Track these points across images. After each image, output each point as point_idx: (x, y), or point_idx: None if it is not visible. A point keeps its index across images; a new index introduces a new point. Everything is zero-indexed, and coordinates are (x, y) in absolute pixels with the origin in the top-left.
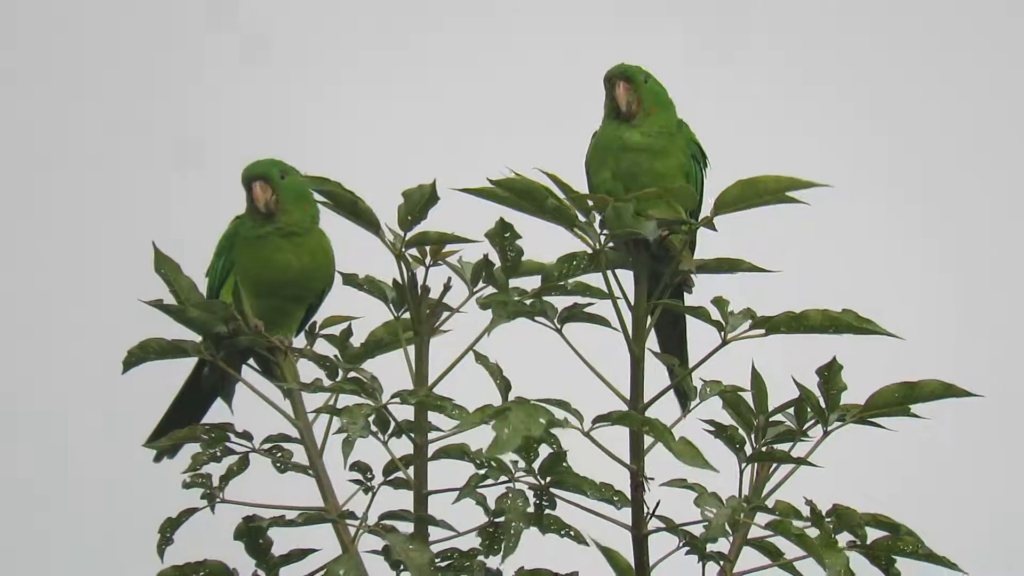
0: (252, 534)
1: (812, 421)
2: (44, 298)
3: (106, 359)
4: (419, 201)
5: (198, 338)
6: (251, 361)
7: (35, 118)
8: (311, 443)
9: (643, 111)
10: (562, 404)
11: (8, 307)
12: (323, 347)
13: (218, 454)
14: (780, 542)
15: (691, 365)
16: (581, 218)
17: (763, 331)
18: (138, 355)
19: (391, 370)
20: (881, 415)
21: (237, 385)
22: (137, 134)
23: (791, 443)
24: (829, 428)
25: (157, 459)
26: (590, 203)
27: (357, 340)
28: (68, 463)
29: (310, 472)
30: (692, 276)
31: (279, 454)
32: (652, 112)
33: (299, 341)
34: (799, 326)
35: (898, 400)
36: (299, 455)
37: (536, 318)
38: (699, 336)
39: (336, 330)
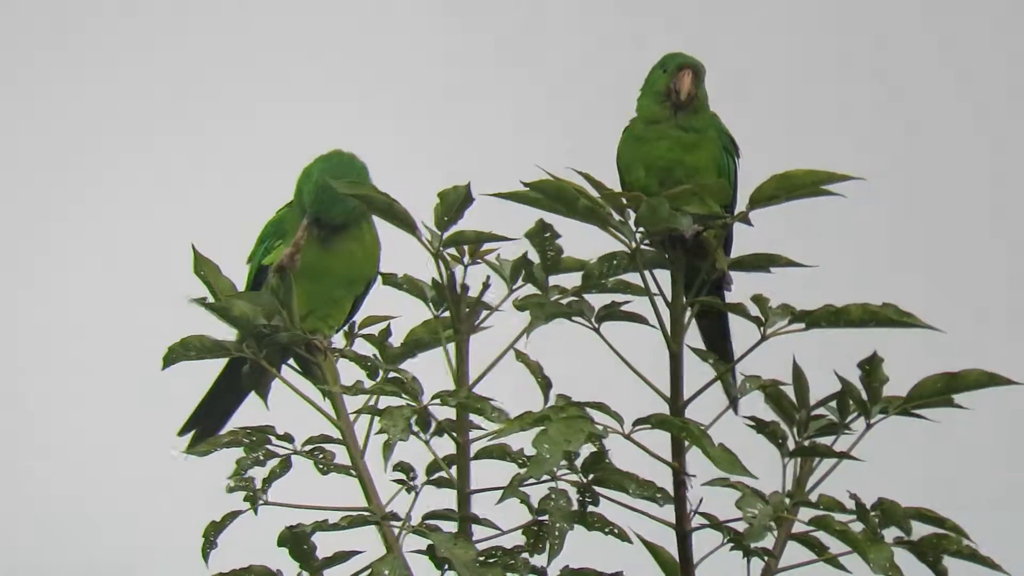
0: (296, 540)
1: (855, 414)
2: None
3: (146, 357)
4: (455, 202)
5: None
6: (291, 361)
7: None
8: (353, 444)
9: (693, 108)
10: (601, 407)
11: (41, 305)
12: (362, 347)
13: (261, 458)
14: (824, 536)
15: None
16: (616, 216)
17: (803, 325)
18: (179, 351)
19: (431, 368)
20: (923, 406)
21: (274, 384)
22: None
23: (834, 437)
24: (872, 421)
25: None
26: (624, 200)
27: (395, 340)
28: (109, 466)
29: (352, 473)
30: (729, 274)
31: (321, 456)
32: (699, 110)
33: (337, 341)
34: (839, 320)
35: (940, 391)
36: (341, 455)
37: (574, 318)
38: (739, 332)
39: (375, 330)
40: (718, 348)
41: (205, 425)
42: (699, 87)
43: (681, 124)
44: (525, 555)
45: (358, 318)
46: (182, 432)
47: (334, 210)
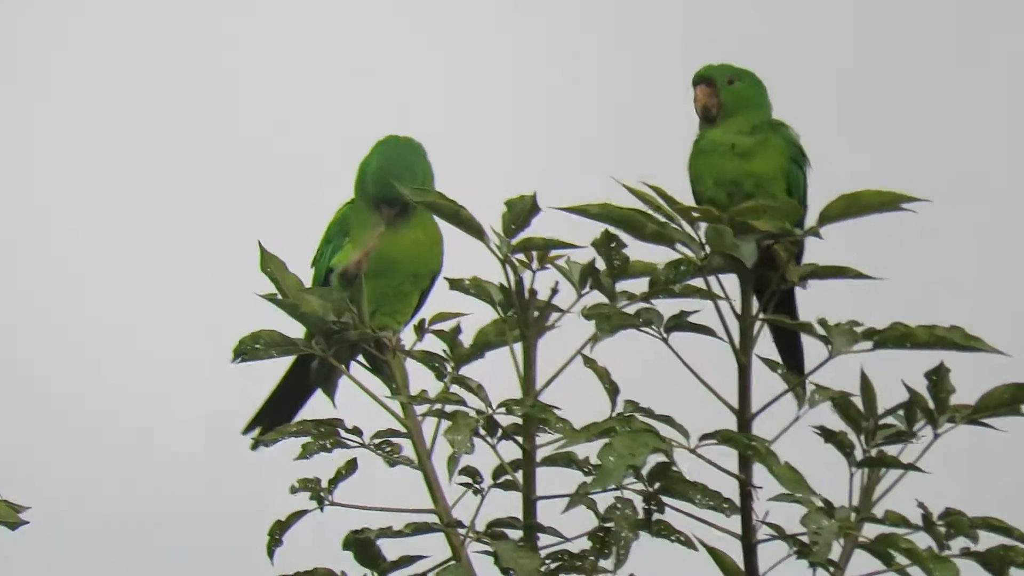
0: (361, 544)
1: (922, 423)
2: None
3: (212, 354)
4: (522, 210)
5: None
6: (359, 358)
7: None
8: (420, 444)
9: (723, 113)
10: (667, 420)
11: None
12: (430, 344)
13: (328, 446)
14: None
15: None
16: (686, 229)
17: (869, 346)
18: (249, 344)
19: (497, 370)
20: (991, 416)
21: (341, 382)
22: None
23: (901, 446)
24: (939, 430)
25: (254, 447)
26: (696, 215)
27: (464, 339)
28: (174, 462)
29: (417, 467)
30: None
31: (388, 448)
32: (733, 114)
33: (406, 336)
34: (905, 342)
35: (1008, 400)
36: (408, 451)
37: (642, 328)
38: (810, 341)
39: (445, 326)
40: (790, 352)
41: (269, 425)
42: (722, 92)
43: (723, 129)
44: (593, 558)
45: (427, 313)
46: (246, 430)
47: (401, 183)
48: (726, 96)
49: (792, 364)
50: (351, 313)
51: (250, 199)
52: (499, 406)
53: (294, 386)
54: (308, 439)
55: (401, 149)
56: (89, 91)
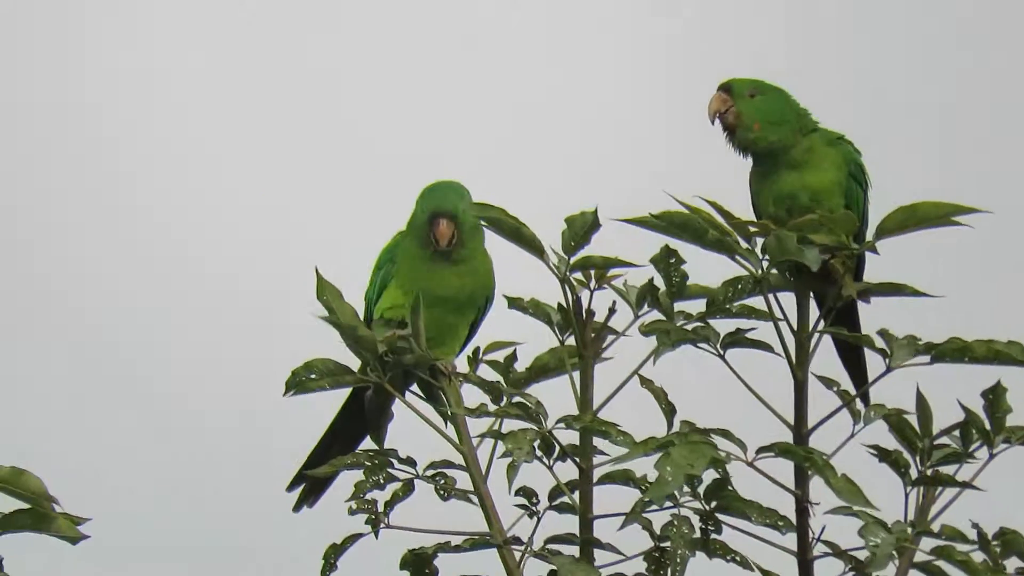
0: (418, 563)
1: (978, 443)
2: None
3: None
4: (582, 227)
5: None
6: (414, 387)
7: None
8: (475, 468)
9: (743, 126)
10: (725, 433)
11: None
12: (485, 373)
13: (381, 481)
14: (946, 566)
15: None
16: (743, 244)
17: (928, 359)
18: (303, 375)
19: (554, 394)
20: None
21: (396, 413)
22: None
23: (957, 465)
24: (995, 450)
25: (296, 507)
26: (751, 229)
27: (520, 366)
28: (229, 485)
29: (473, 498)
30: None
31: (442, 481)
32: (755, 128)
33: (461, 364)
34: (963, 356)
35: None
36: (462, 481)
37: (699, 344)
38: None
39: (500, 355)
40: (853, 365)
41: (312, 486)
42: (741, 104)
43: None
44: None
45: (482, 343)
46: (291, 487)
47: (455, 204)
48: (743, 107)
49: (858, 380)
50: (406, 340)
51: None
52: (558, 421)
53: (344, 431)
54: (360, 476)
55: (453, 188)
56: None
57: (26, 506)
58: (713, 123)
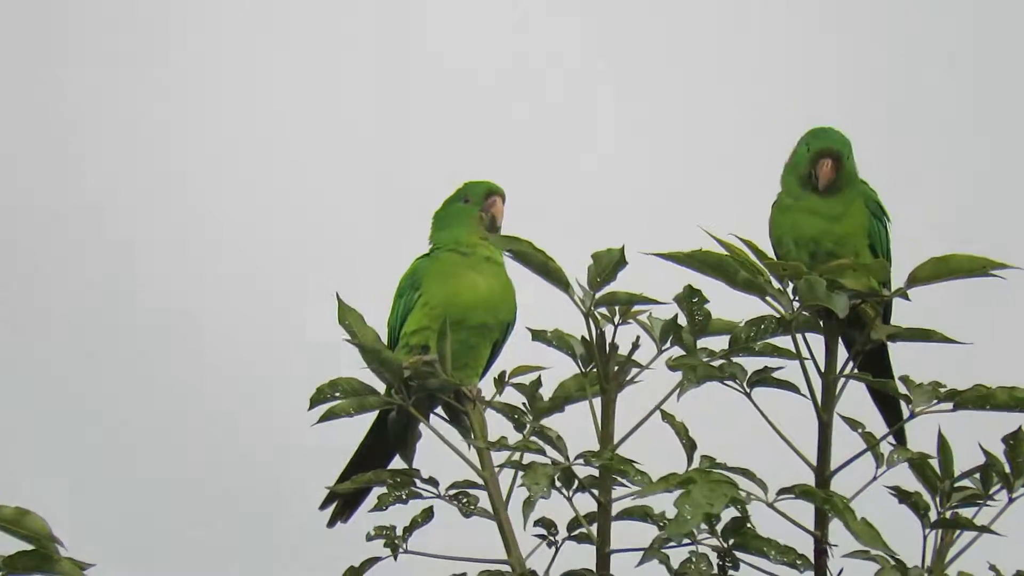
0: None
1: (998, 487)
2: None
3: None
4: (608, 264)
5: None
6: (438, 410)
7: None
8: (496, 494)
9: (838, 188)
10: (746, 473)
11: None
12: (509, 397)
13: (404, 496)
14: None
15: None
16: (776, 284)
17: (950, 406)
18: (327, 392)
19: (575, 423)
20: None
21: (421, 434)
22: None
23: (976, 508)
24: (1015, 495)
25: (331, 523)
26: (784, 270)
27: (544, 392)
28: (250, 509)
29: (493, 520)
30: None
31: (464, 500)
32: (842, 189)
33: (485, 387)
34: (985, 404)
35: None
36: (484, 503)
37: (725, 381)
38: None
39: (526, 379)
40: (886, 404)
41: (345, 503)
42: (841, 171)
43: (826, 201)
44: None
45: (508, 366)
46: (324, 505)
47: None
48: (846, 173)
49: (890, 419)
50: (428, 365)
51: None
52: (577, 457)
53: (373, 453)
54: (384, 490)
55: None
56: None
57: (30, 547)
58: (823, 191)
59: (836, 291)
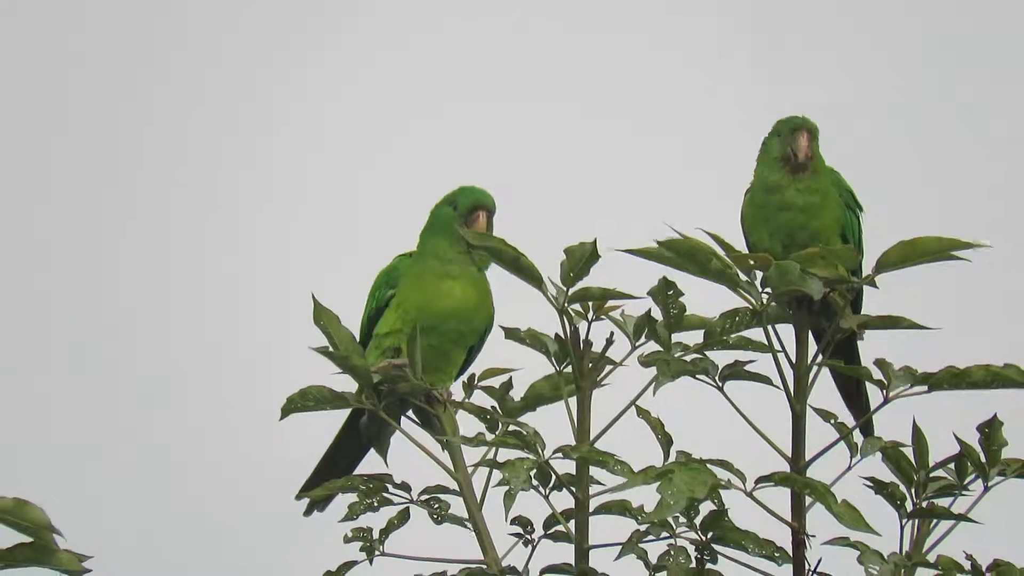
0: None
1: (973, 476)
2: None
3: (263, 407)
4: (581, 258)
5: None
6: (410, 413)
7: None
8: (471, 496)
9: (812, 169)
10: (724, 464)
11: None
12: (481, 399)
13: (375, 504)
14: None
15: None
16: (743, 277)
17: (925, 388)
18: (298, 402)
19: (551, 423)
20: None
21: (393, 437)
22: None
23: (952, 498)
24: (990, 483)
25: (307, 512)
26: (752, 262)
27: (516, 394)
28: (224, 513)
29: (467, 524)
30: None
31: (436, 505)
32: (817, 171)
33: (456, 390)
34: (961, 383)
35: None
36: (456, 508)
37: (698, 376)
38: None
39: (495, 382)
40: (854, 398)
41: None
42: (816, 148)
43: (800, 188)
44: None
45: (478, 369)
46: (300, 495)
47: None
48: (816, 150)
49: (857, 413)
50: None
51: None
52: (555, 451)
53: (347, 447)
54: (355, 498)
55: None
56: None
57: (28, 540)
58: (800, 161)
59: (808, 276)
